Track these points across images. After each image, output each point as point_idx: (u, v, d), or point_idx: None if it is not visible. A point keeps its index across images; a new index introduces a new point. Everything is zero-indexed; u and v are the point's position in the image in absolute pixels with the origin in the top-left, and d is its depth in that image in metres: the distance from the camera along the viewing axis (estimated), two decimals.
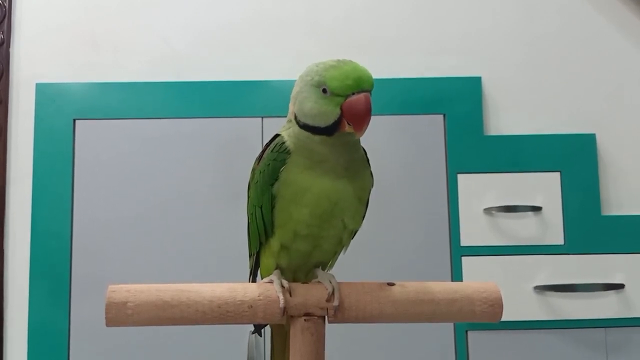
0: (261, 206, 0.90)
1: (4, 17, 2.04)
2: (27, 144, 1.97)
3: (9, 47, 2.05)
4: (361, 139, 0.90)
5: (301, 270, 0.94)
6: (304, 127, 0.86)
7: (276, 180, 0.88)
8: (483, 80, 2.02)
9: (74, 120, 1.94)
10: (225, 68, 2.04)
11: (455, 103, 1.96)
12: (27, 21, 2.06)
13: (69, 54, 2.05)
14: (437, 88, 1.97)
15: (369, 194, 0.93)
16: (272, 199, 0.89)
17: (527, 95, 2.05)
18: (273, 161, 0.88)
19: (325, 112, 0.84)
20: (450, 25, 2.09)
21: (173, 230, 1.89)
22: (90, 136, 1.93)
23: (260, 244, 0.94)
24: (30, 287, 1.86)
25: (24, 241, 1.93)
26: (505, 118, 2.03)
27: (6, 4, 2.05)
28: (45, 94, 1.95)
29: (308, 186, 0.86)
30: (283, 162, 0.87)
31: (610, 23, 2.09)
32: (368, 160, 0.93)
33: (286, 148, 0.88)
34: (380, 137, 1.91)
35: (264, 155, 0.91)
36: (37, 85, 1.96)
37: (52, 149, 1.92)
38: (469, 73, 2.02)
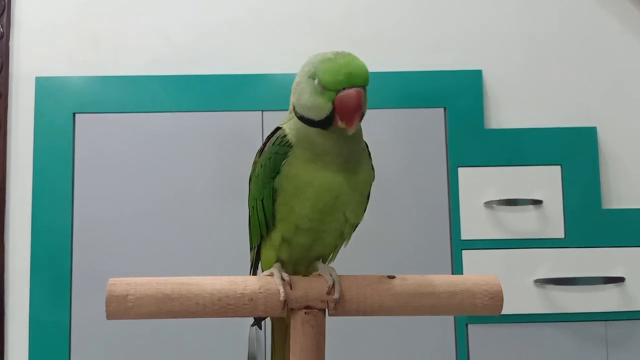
0: (262, 199, 0.90)
1: (4, 11, 2.04)
2: (27, 138, 1.96)
3: (9, 40, 2.04)
4: (362, 132, 0.90)
5: (302, 262, 0.94)
6: (301, 118, 0.86)
7: (277, 173, 0.87)
8: (484, 74, 2.01)
9: (74, 114, 1.93)
10: (225, 61, 2.03)
11: (456, 96, 1.96)
12: (27, 15, 2.06)
13: (69, 48, 2.04)
14: (438, 81, 1.97)
15: (370, 187, 0.93)
16: (273, 192, 0.88)
17: (527, 89, 2.05)
18: (274, 154, 0.88)
19: (318, 106, 0.83)
20: (451, 19, 2.08)
21: (173, 224, 1.89)
22: (90, 130, 1.93)
23: (261, 236, 0.94)
24: (31, 282, 1.86)
25: (25, 236, 1.93)
26: (506, 111, 2.03)
27: None
28: (45, 88, 1.94)
29: (309, 180, 0.86)
30: (284, 156, 0.87)
31: (611, 16, 2.09)
32: (370, 153, 0.93)
33: (287, 141, 0.87)
34: (380, 130, 1.91)
35: (265, 149, 0.91)
36: (37, 79, 1.95)
37: (52, 143, 1.91)
38: (469, 66, 2.02)
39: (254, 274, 0.98)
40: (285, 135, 0.88)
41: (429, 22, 2.08)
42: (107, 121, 1.93)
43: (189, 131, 1.93)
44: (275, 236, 0.91)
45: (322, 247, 0.92)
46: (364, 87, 0.82)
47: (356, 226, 0.94)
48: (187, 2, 2.08)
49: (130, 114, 1.93)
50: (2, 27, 2.03)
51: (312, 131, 0.85)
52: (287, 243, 0.90)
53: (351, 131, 0.82)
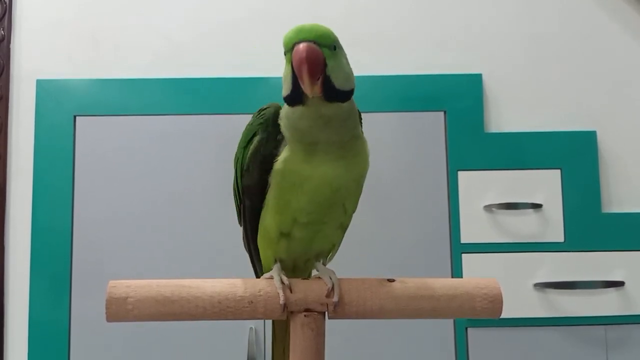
0: (240, 162, 0.91)
1: (5, 13, 2.04)
2: (28, 140, 1.96)
3: (10, 43, 2.04)
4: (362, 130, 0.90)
5: (301, 259, 0.93)
6: (285, 101, 0.85)
7: (264, 157, 0.87)
8: (484, 77, 2.02)
9: (75, 116, 1.94)
10: (227, 64, 2.04)
11: (456, 100, 1.96)
12: (28, 17, 2.06)
13: (70, 50, 2.05)
14: (438, 85, 1.97)
15: (366, 174, 0.91)
16: (267, 185, 0.88)
17: (527, 93, 2.05)
18: (259, 132, 0.88)
19: (285, 75, 0.82)
20: (451, 22, 2.08)
21: (174, 227, 1.89)
22: (91, 132, 1.93)
23: (258, 234, 0.93)
24: (31, 282, 1.87)
25: (25, 237, 1.93)
26: (506, 115, 2.03)
27: (6, 0, 2.05)
28: (46, 90, 1.95)
29: (308, 175, 0.85)
30: (274, 142, 0.86)
31: (611, 20, 2.09)
32: (365, 140, 0.90)
33: (270, 118, 0.88)
34: (380, 133, 1.91)
35: (251, 120, 0.91)
36: (38, 81, 1.96)
37: (52, 145, 1.92)
38: (469, 70, 2.02)
39: (253, 265, 0.99)
40: (267, 109, 0.88)
41: (429, 26, 2.08)
42: (107, 124, 1.94)
43: (189, 134, 1.93)
44: (273, 230, 0.90)
45: (322, 241, 0.92)
46: (318, 43, 0.79)
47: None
48: (187, 2, 2.08)
49: (131, 116, 1.94)
50: (3, 29, 2.03)
51: (294, 113, 0.84)
52: (285, 237, 0.90)
53: (310, 93, 0.78)
